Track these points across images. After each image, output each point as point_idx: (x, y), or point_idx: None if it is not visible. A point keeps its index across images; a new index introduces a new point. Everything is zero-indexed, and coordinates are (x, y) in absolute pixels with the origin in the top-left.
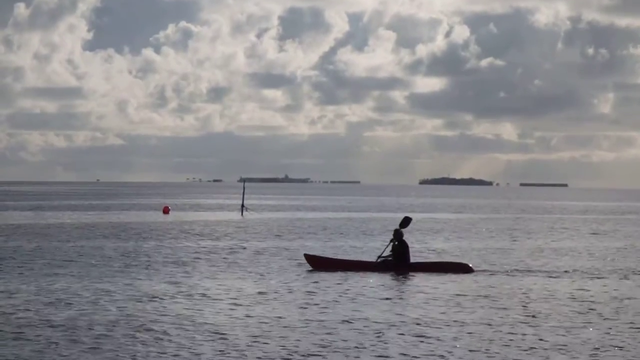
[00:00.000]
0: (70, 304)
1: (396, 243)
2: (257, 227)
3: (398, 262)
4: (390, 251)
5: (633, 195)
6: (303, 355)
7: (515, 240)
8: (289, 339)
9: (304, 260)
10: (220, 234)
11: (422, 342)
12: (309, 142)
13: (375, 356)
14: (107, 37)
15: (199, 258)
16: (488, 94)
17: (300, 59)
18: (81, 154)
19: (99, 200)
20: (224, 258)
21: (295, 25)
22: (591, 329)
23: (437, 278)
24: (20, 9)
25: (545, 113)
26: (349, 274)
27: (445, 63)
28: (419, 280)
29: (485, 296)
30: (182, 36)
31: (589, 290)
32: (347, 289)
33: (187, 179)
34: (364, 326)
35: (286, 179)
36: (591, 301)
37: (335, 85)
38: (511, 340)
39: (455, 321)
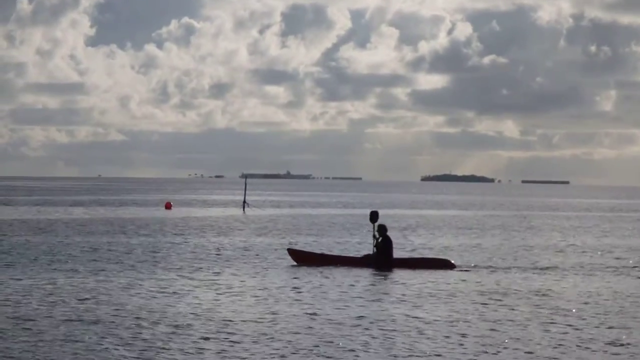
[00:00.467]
0: (75, 299)
1: (380, 239)
2: (257, 223)
3: (381, 258)
4: (374, 246)
5: (635, 192)
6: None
7: (495, 236)
8: (262, 336)
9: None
10: (221, 229)
11: (400, 337)
12: (311, 138)
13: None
14: (109, 33)
15: (196, 253)
16: (490, 91)
17: (303, 56)
18: (83, 149)
19: (101, 196)
20: (218, 254)
21: (297, 22)
22: (587, 325)
23: (419, 274)
24: (23, 5)
25: (547, 110)
26: (331, 269)
27: (448, 60)
28: (399, 276)
29: (468, 292)
30: (184, 32)
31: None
32: (324, 284)
33: (189, 174)
34: (332, 322)
35: (288, 175)
36: (595, 297)
37: (337, 82)
38: (489, 335)
39: (438, 317)
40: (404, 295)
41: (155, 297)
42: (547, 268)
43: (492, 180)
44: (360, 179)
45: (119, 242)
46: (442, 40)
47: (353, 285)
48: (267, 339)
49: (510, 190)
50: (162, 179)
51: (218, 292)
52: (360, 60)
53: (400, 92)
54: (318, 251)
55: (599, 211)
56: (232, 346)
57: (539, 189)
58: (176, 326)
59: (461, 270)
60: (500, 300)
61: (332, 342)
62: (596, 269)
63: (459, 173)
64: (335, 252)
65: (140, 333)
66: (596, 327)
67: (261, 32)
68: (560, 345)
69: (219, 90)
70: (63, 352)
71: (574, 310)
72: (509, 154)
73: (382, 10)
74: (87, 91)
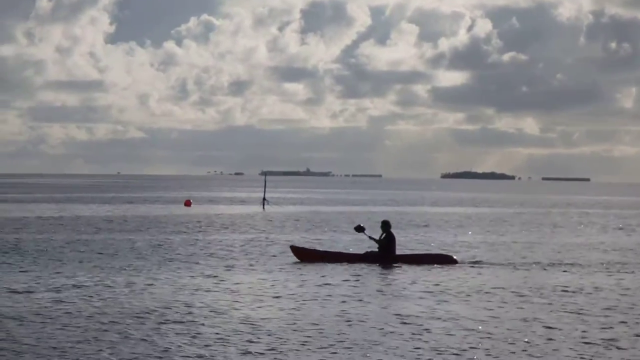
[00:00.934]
0: (97, 295)
1: (383, 235)
2: (276, 220)
3: (383, 254)
4: (377, 242)
5: None
6: (281, 352)
7: (507, 234)
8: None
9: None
10: (239, 227)
11: (408, 334)
12: (331, 135)
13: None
14: (128, 30)
15: (212, 250)
16: (510, 88)
17: (322, 53)
18: (102, 146)
19: (121, 193)
20: (234, 251)
21: (317, 19)
22: (611, 323)
23: (421, 270)
24: (43, 2)
25: (567, 107)
26: (334, 266)
27: (468, 57)
28: (402, 271)
29: (471, 289)
30: (203, 29)
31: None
32: (326, 282)
33: (208, 172)
34: (345, 320)
35: (308, 173)
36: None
37: (357, 79)
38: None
39: (443, 314)
40: (404, 290)
41: (175, 294)
42: (569, 265)
43: (512, 178)
44: (380, 176)
45: (140, 240)
46: (462, 37)
47: (357, 283)
48: (294, 335)
49: (531, 188)
50: (181, 176)
51: (235, 289)
52: (380, 57)
53: (420, 89)
54: (321, 248)
55: (621, 208)
56: (254, 343)
57: (559, 186)
58: (192, 322)
59: (463, 266)
60: (525, 297)
61: (356, 338)
62: (618, 265)
63: (479, 170)
64: (353, 250)
65: (161, 329)
66: (622, 322)
67: (280, 29)
68: (583, 342)
69: (238, 87)
70: (91, 347)
71: (594, 309)
72: (529, 151)
73: (402, 7)
74: (107, 88)
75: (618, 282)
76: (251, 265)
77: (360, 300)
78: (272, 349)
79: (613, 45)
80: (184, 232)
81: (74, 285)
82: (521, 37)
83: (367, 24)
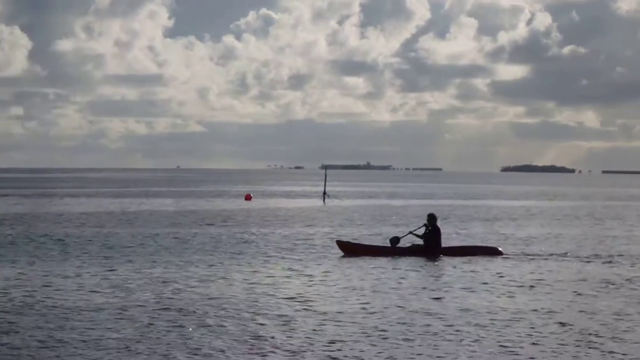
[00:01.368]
0: (165, 288)
1: (429, 228)
2: (338, 214)
3: (428, 247)
4: (422, 236)
5: None
6: (344, 345)
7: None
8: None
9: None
10: (299, 220)
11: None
12: (391, 129)
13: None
14: (187, 24)
15: (283, 245)
16: (570, 82)
17: (382, 46)
18: (161, 140)
19: (181, 187)
20: (294, 245)
21: (376, 12)
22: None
23: (467, 261)
24: None
25: (628, 100)
26: (379, 259)
27: (527, 50)
28: (448, 264)
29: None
30: (262, 23)
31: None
32: (374, 275)
33: (268, 166)
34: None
35: (368, 166)
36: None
37: (416, 73)
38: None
39: (500, 308)
40: (448, 283)
41: (240, 288)
42: (629, 257)
43: (572, 171)
44: (441, 169)
45: (204, 234)
46: (521, 31)
47: (412, 275)
48: (364, 331)
49: (592, 181)
50: (241, 170)
51: (303, 281)
52: (440, 50)
53: (480, 83)
54: (366, 242)
55: None
56: (319, 332)
57: (620, 179)
58: (259, 314)
59: (507, 258)
60: (596, 290)
61: (426, 332)
62: None
63: (539, 164)
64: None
65: (227, 322)
66: None
67: (340, 22)
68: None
69: (297, 81)
70: (157, 338)
71: None
72: (589, 144)
73: (461, 1)
74: (166, 82)
75: None
76: (318, 258)
77: (416, 294)
78: (351, 341)
79: None
80: (244, 225)
81: (149, 279)
82: (581, 30)
83: (427, 18)
